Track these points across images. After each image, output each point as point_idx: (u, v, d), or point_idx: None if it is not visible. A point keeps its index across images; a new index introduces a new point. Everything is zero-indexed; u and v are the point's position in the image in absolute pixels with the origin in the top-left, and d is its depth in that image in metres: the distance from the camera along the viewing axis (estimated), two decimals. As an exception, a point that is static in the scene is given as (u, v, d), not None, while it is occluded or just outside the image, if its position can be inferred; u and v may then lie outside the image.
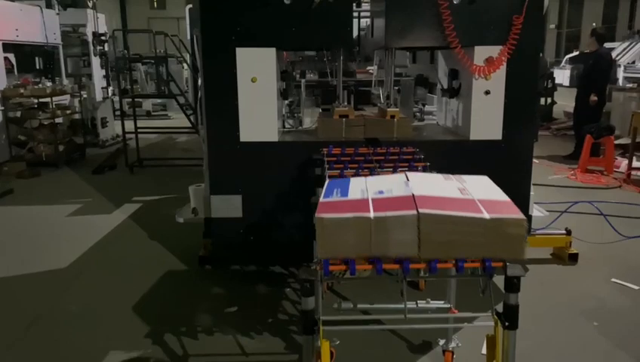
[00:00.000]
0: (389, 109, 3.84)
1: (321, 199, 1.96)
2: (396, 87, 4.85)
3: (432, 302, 2.82)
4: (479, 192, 1.92)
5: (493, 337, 1.87)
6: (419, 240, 1.70)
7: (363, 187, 2.03)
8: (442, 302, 2.83)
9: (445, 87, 4.23)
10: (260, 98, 3.68)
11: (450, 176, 2.17)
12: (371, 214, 1.74)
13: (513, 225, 1.70)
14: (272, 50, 3.64)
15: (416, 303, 2.84)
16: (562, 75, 12.87)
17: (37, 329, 3.28)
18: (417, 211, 1.71)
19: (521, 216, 1.72)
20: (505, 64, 3.63)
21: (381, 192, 1.95)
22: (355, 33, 4.65)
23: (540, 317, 3.27)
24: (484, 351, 2.66)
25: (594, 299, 3.61)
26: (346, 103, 4.30)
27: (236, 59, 3.60)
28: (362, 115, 3.92)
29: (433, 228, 1.70)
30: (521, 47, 3.58)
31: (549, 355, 2.94)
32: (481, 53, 3.63)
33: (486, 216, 1.71)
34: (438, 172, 2.85)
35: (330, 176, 2.88)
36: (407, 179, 2.05)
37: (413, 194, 1.84)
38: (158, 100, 14.17)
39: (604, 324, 3.25)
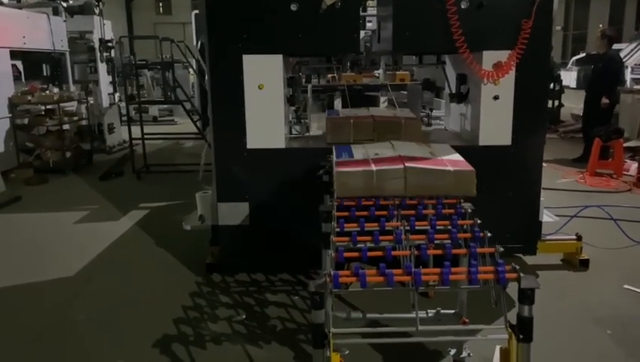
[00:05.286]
0: (397, 72, 4.06)
1: (335, 159, 2.78)
2: (404, 92, 4.83)
3: (442, 311, 2.78)
4: (443, 155, 2.85)
5: (506, 350, 1.83)
6: (405, 184, 2.53)
7: (363, 151, 2.93)
8: (453, 311, 2.80)
9: (453, 91, 4.20)
10: (267, 105, 3.67)
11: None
12: (373, 168, 2.58)
13: (466, 174, 2.56)
14: (279, 57, 3.62)
15: (427, 312, 2.81)
16: (569, 77, 12.78)
17: (45, 337, 3.27)
18: (404, 165, 2.57)
19: (470, 168, 2.58)
20: (514, 69, 3.60)
21: (376, 154, 2.82)
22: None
23: (552, 325, 3.22)
24: (495, 361, 2.62)
25: (606, 306, 3.55)
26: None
27: (243, 66, 3.59)
28: (371, 115, 3.89)
29: (414, 176, 2.54)
30: (530, 52, 3.55)
31: (563, 365, 2.90)
32: (490, 57, 3.60)
33: (450, 168, 2.59)
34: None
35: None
36: (393, 146, 3.00)
37: (400, 155, 2.75)
38: (165, 105, 14.20)
39: (618, 332, 3.20)
